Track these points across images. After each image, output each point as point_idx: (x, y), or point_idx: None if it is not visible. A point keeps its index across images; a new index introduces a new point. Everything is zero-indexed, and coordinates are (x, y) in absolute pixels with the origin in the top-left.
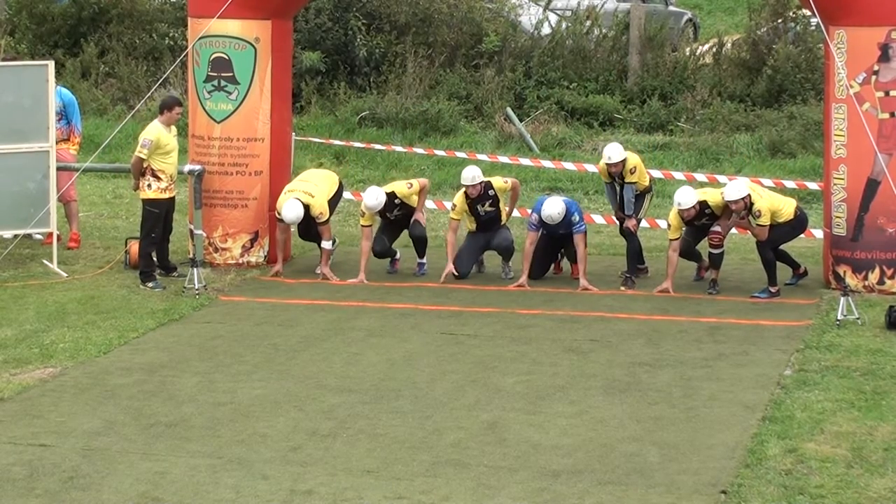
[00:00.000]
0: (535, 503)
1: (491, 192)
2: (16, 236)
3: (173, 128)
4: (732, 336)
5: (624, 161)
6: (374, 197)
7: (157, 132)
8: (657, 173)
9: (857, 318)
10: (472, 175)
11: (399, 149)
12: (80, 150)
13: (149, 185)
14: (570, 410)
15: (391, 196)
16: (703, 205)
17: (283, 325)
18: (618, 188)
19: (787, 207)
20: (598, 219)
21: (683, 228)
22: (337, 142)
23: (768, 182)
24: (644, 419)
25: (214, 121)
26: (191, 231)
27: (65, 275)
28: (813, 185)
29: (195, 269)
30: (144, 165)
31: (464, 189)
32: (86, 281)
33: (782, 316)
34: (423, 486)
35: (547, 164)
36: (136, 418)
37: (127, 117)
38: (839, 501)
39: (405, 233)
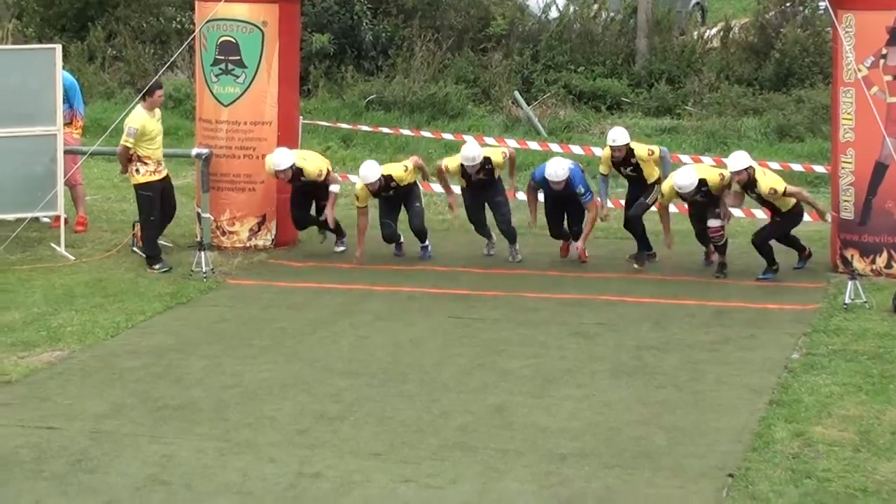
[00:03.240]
0: (541, 486)
1: (488, 167)
2: (23, 219)
3: (158, 112)
4: (739, 320)
5: (629, 147)
6: (370, 170)
7: (142, 119)
8: None
9: (865, 302)
10: (472, 156)
11: (407, 132)
12: (84, 133)
13: (137, 171)
14: (578, 394)
15: (388, 179)
16: (700, 182)
17: (291, 308)
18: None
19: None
20: (607, 203)
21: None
22: (344, 125)
23: (775, 165)
24: (651, 403)
25: (222, 104)
26: (198, 214)
27: (72, 258)
28: (820, 169)
29: (202, 253)
30: (131, 152)
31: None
32: (93, 264)
33: (790, 299)
34: (430, 470)
35: (555, 147)
36: (143, 401)
37: (134, 101)
38: (846, 485)
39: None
